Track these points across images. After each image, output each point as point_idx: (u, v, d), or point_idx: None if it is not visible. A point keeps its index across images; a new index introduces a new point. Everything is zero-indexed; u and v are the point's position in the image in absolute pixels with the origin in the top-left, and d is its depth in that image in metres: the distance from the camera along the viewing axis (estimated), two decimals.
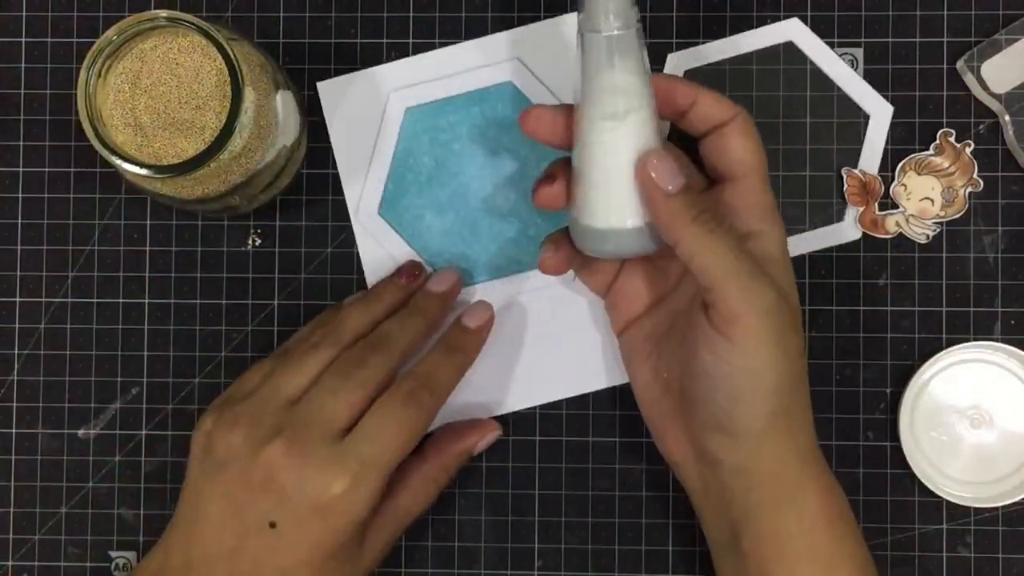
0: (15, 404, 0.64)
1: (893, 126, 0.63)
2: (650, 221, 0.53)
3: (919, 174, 0.63)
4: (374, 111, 0.64)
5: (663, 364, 0.57)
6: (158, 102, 0.56)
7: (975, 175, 0.63)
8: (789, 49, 0.64)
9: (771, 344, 0.52)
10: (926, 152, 0.63)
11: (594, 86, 0.52)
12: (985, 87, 0.62)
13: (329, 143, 0.64)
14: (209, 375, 0.64)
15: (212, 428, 0.56)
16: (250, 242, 0.64)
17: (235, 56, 0.54)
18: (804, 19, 0.64)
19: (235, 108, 0.54)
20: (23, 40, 0.65)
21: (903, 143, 0.63)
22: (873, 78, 0.64)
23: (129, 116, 0.56)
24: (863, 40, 0.64)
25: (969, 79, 0.63)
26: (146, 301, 0.64)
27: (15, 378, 0.64)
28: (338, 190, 0.64)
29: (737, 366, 0.52)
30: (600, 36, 0.51)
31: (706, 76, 0.64)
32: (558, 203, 0.56)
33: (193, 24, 0.54)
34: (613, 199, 0.53)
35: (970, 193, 0.63)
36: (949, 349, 0.62)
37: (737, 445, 0.54)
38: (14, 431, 0.64)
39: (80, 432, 0.64)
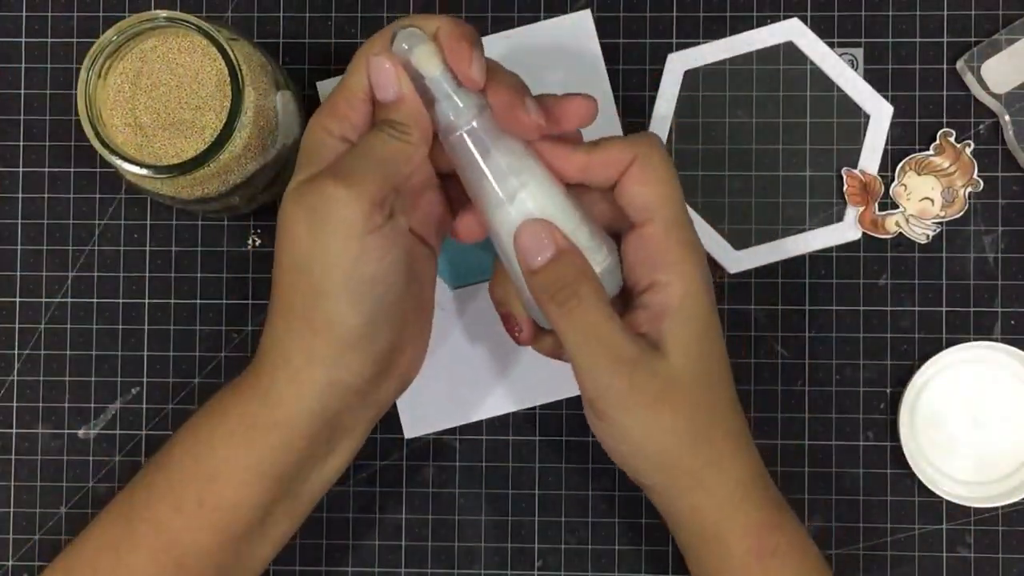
0: (15, 404, 0.64)
1: (893, 126, 0.63)
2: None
3: (919, 174, 0.63)
4: None
5: None
6: (158, 102, 0.56)
7: (975, 175, 0.63)
8: (789, 49, 0.64)
9: (635, 424, 0.50)
10: (926, 152, 0.63)
11: (481, 181, 0.51)
12: (985, 87, 0.62)
13: None
14: (209, 375, 0.64)
15: None
16: (250, 242, 0.64)
17: (235, 56, 0.54)
18: (804, 19, 0.64)
19: (235, 108, 0.54)
20: (23, 40, 0.65)
21: (903, 143, 0.63)
22: (873, 78, 0.64)
23: (129, 116, 0.56)
24: (863, 40, 0.64)
25: (969, 79, 0.63)
26: (146, 301, 0.64)
27: (15, 378, 0.64)
28: None
29: (610, 438, 0.51)
30: (462, 134, 0.50)
31: (706, 76, 0.64)
32: (530, 340, 0.54)
33: (193, 24, 0.54)
34: None
35: (970, 193, 0.63)
36: (949, 349, 0.62)
37: (649, 490, 0.54)
38: (14, 431, 0.64)
39: (80, 432, 0.64)
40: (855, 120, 0.63)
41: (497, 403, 0.64)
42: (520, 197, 0.50)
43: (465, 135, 0.50)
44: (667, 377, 0.50)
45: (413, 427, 0.64)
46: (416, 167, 0.51)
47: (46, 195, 0.65)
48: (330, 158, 0.50)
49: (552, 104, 0.51)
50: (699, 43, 0.64)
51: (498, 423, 0.64)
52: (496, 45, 0.64)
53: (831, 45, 0.64)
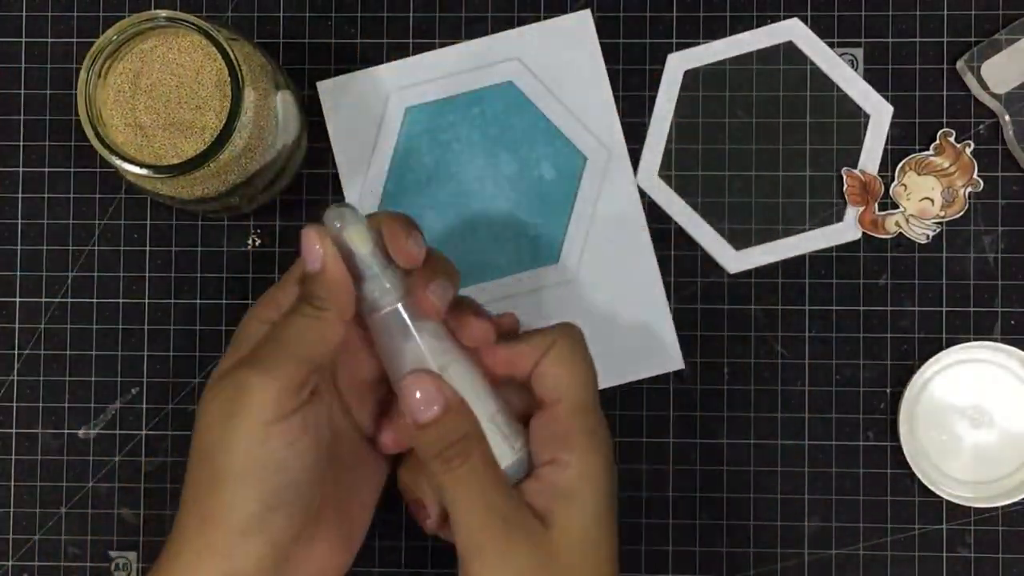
0: (15, 404, 0.64)
1: (893, 126, 0.63)
2: (520, 455, 0.51)
3: (919, 174, 0.63)
4: (374, 111, 0.64)
5: None
6: (158, 102, 0.56)
7: (975, 175, 0.63)
8: (789, 49, 0.64)
9: None
10: (926, 152, 0.63)
11: (401, 361, 0.50)
12: (985, 87, 0.62)
13: (329, 143, 0.64)
14: (209, 375, 0.64)
15: None
16: (250, 242, 0.64)
17: (235, 56, 0.54)
18: (804, 19, 0.64)
19: (235, 108, 0.54)
20: (23, 40, 0.65)
21: (903, 143, 0.63)
22: (873, 78, 0.64)
23: (129, 116, 0.56)
24: (863, 40, 0.64)
25: (969, 79, 0.63)
26: (146, 301, 0.64)
27: (15, 378, 0.64)
28: (338, 190, 0.64)
29: None
30: (385, 313, 0.50)
31: (706, 76, 0.64)
32: (437, 527, 0.53)
33: (193, 24, 0.54)
34: None
35: (970, 193, 0.63)
36: (949, 349, 0.62)
37: None
38: (14, 431, 0.64)
39: (80, 432, 0.64)
40: (855, 120, 0.63)
41: None
42: (452, 370, 0.50)
43: (388, 315, 0.50)
44: (547, 552, 0.49)
45: None
46: (334, 344, 0.49)
47: (46, 195, 0.65)
48: (253, 344, 0.50)
49: (459, 314, 0.51)
50: (699, 43, 0.64)
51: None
52: (496, 46, 0.64)
53: (831, 45, 0.64)
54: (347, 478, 0.53)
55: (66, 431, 0.64)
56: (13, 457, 0.64)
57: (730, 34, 0.64)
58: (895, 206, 0.63)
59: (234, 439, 0.47)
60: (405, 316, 0.50)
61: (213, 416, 0.48)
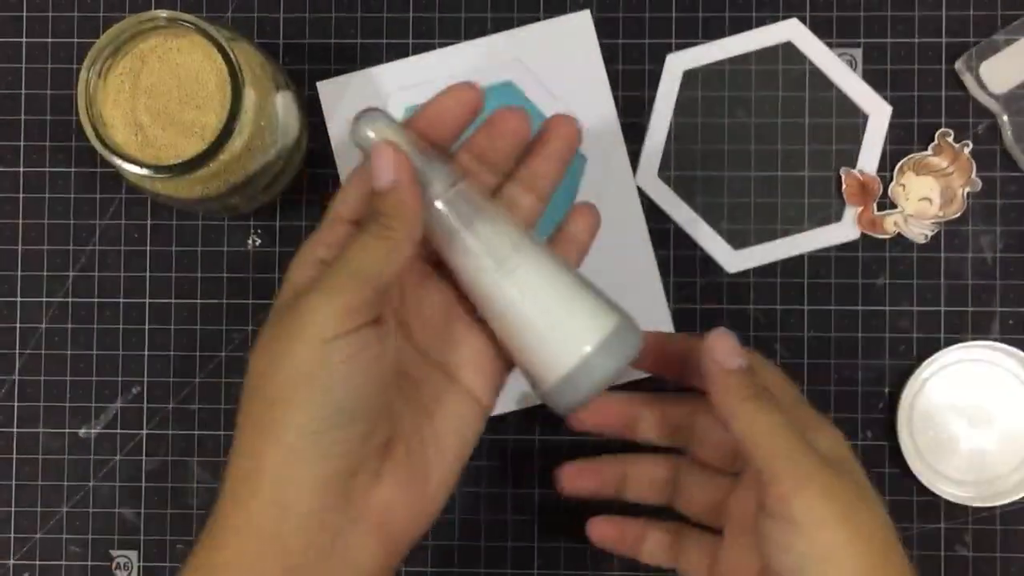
0: (16, 403, 0.64)
1: (891, 126, 0.63)
2: (611, 329, 0.49)
3: (917, 174, 0.63)
4: None
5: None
6: (158, 102, 0.56)
7: (973, 175, 0.63)
8: (788, 49, 0.64)
9: (835, 524, 0.46)
10: (924, 152, 0.63)
11: (477, 238, 0.48)
12: (983, 87, 0.62)
13: (329, 143, 0.64)
14: (210, 375, 0.64)
15: None
16: (250, 242, 0.65)
17: (235, 56, 0.54)
18: (803, 19, 0.64)
19: (235, 108, 0.54)
20: (23, 40, 0.65)
21: (902, 143, 0.64)
22: (872, 78, 0.64)
23: (129, 116, 0.56)
24: (862, 40, 0.64)
25: (967, 79, 0.63)
26: (147, 301, 0.64)
27: (16, 378, 0.64)
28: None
29: (803, 555, 0.46)
30: (440, 204, 0.48)
31: (705, 76, 0.64)
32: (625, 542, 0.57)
33: (193, 24, 0.54)
34: (564, 329, 0.49)
35: (968, 193, 0.63)
36: (947, 349, 0.63)
37: None
38: (15, 430, 0.64)
39: (81, 431, 0.64)
40: (854, 120, 0.64)
41: (498, 402, 0.64)
42: (514, 262, 0.48)
43: (443, 204, 0.48)
44: (852, 485, 0.48)
45: None
46: (400, 264, 0.46)
47: (47, 195, 0.65)
48: (307, 281, 0.47)
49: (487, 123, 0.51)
50: (698, 43, 0.64)
51: (498, 422, 0.64)
52: (496, 45, 0.64)
53: (830, 45, 0.64)
54: (422, 419, 0.49)
55: (67, 430, 0.64)
56: (15, 456, 0.64)
57: (729, 34, 0.64)
58: (893, 206, 0.63)
59: (290, 356, 0.44)
60: (463, 203, 0.48)
61: (268, 341, 0.45)
